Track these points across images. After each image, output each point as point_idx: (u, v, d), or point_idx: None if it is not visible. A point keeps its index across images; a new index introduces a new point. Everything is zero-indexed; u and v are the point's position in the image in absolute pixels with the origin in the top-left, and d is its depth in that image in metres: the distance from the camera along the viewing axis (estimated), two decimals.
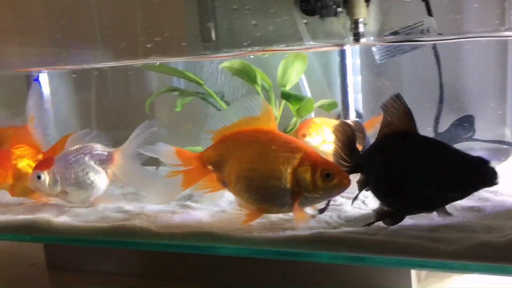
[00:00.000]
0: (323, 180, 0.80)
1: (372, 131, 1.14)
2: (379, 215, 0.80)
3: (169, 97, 1.37)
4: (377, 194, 0.82)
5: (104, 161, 1.15)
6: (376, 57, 1.32)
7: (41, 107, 1.26)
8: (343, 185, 0.80)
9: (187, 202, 1.07)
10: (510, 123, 1.32)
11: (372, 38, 1.24)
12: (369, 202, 0.96)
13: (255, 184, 0.84)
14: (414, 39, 1.22)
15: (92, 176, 1.13)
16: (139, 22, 1.51)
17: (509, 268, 0.67)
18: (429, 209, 0.79)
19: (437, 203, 0.78)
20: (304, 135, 1.08)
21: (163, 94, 1.37)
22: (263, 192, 0.84)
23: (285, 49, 1.27)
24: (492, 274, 0.71)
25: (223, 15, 1.41)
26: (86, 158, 1.13)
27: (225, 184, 0.91)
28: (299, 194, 0.81)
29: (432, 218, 0.82)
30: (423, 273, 0.91)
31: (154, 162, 1.19)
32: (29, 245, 1.30)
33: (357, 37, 1.21)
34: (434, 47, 1.28)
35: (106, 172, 1.16)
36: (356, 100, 1.28)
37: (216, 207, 1.02)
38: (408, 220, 0.81)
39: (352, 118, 1.25)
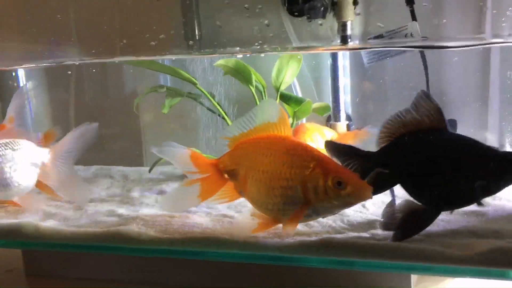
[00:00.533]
0: (334, 188, 0.76)
1: (355, 142, 1.15)
2: (411, 213, 0.80)
3: (153, 96, 1.34)
4: (412, 190, 0.81)
5: (36, 160, 1.09)
6: (365, 60, 1.33)
7: (23, 109, 1.20)
8: (358, 195, 0.76)
9: None
10: (491, 127, 1.36)
11: (357, 41, 1.25)
12: (369, 206, 0.97)
13: (270, 193, 0.81)
14: (396, 44, 1.23)
15: (19, 174, 1.07)
16: (118, 18, 1.48)
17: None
18: (465, 204, 0.81)
19: (473, 198, 0.79)
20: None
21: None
22: (277, 201, 0.81)
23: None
24: (506, 280, 0.72)
25: (207, 14, 1.39)
26: (15, 154, 1.07)
27: (241, 193, 0.88)
28: (310, 203, 0.78)
29: (438, 224, 0.83)
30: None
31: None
32: (5, 251, 1.23)
33: (344, 39, 1.22)
34: (422, 51, 1.30)
35: (37, 172, 1.10)
36: (345, 103, 1.28)
37: (214, 210, 1.00)
38: None
39: (342, 121, 1.25)
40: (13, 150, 1.08)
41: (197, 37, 1.38)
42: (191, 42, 1.39)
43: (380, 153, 0.86)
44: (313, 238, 0.83)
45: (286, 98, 1.08)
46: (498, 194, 0.92)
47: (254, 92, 1.15)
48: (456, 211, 0.85)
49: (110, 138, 1.42)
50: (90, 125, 1.08)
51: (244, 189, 0.87)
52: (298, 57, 1.17)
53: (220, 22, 1.37)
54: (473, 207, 0.89)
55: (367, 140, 1.16)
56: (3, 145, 1.08)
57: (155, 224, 0.93)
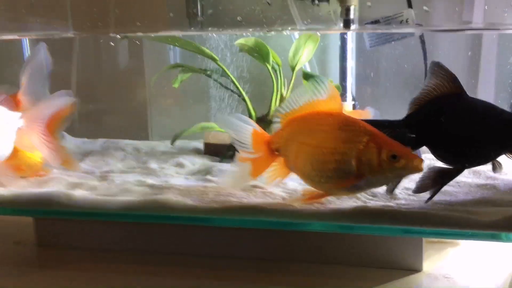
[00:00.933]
0: (389, 161, 0.81)
1: None
2: (439, 173, 0.88)
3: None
4: (436, 150, 0.89)
5: (11, 126, 1.04)
6: (367, 44, 1.41)
7: (38, 73, 1.16)
8: (411, 167, 0.81)
9: (208, 177, 1.08)
10: None
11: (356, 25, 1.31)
12: None
13: (322, 167, 0.85)
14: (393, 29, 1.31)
15: None
16: None
17: None
18: (485, 161, 0.90)
19: (494, 156, 0.88)
20: None
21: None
22: (330, 175, 0.85)
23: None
24: None
25: None
26: None
27: (292, 169, 0.92)
28: (363, 176, 0.83)
29: (457, 195, 0.92)
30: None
31: None
32: (11, 222, 1.23)
33: (347, 23, 1.28)
34: (422, 36, 1.39)
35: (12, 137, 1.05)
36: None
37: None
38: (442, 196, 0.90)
39: (349, 101, 1.32)
40: None
41: (199, 16, 1.41)
42: (194, 20, 1.42)
43: (406, 120, 0.94)
44: (346, 206, 0.89)
45: (307, 76, 1.13)
46: (505, 169, 1.03)
47: (270, 70, 1.20)
48: (470, 184, 0.95)
49: (115, 112, 1.43)
50: (64, 93, 1.07)
51: (295, 165, 0.90)
52: (318, 34, 1.22)
53: (224, 2, 1.41)
54: (483, 180, 1.00)
55: (368, 118, 1.25)
56: None
57: (191, 194, 0.97)
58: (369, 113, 1.26)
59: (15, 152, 1.10)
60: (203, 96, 1.36)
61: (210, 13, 1.41)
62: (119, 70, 1.50)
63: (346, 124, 0.86)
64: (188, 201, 0.93)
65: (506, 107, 1.14)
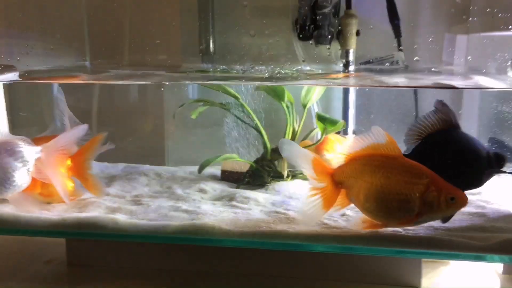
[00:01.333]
0: (447, 203, 0.95)
1: None
2: None
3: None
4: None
5: (27, 159, 1.16)
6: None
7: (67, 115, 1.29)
8: (463, 205, 0.96)
9: (234, 203, 1.20)
10: None
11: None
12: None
13: (384, 204, 0.97)
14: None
15: (11, 172, 1.13)
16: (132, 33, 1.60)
17: None
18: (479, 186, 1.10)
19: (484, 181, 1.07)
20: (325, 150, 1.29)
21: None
22: (391, 211, 0.97)
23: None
24: None
25: (222, 31, 1.55)
26: (8, 154, 1.14)
27: (352, 201, 1.04)
28: (423, 215, 0.96)
29: (453, 223, 1.07)
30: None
31: None
32: (42, 242, 1.32)
33: (347, 64, 1.44)
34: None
35: (28, 170, 1.16)
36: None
37: (264, 207, 1.18)
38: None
39: (350, 134, 1.47)
40: (6, 150, 1.13)
41: (211, 53, 1.55)
42: (205, 57, 1.56)
43: (415, 151, 1.09)
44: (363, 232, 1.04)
45: (322, 119, 1.27)
46: (491, 199, 1.20)
47: (285, 107, 1.34)
48: (461, 213, 1.11)
49: (135, 139, 1.53)
50: (78, 126, 1.22)
51: (356, 198, 1.02)
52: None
53: (233, 40, 1.54)
54: (473, 209, 1.16)
55: None
56: None
57: (224, 219, 1.09)
58: None
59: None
60: (219, 127, 1.48)
61: (220, 50, 1.56)
62: (140, 101, 1.61)
63: (408, 167, 0.98)
64: (223, 226, 1.06)
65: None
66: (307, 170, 1.04)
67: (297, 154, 1.04)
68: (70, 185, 1.25)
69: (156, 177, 1.42)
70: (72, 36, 1.61)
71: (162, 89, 1.59)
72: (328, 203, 1.03)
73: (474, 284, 1.12)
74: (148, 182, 1.39)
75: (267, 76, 1.38)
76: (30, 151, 1.17)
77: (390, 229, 1.03)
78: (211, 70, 1.50)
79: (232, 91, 1.34)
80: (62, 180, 1.19)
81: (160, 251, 1.16)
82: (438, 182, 0.96)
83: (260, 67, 1.48)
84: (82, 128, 1.21)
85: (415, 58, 1.40)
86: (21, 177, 1.15)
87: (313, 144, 1.31)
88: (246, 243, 1.04)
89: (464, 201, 0.96)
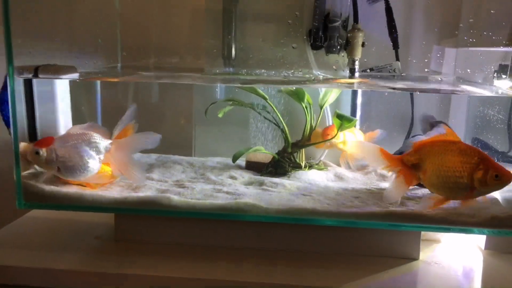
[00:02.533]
0: (493, 179, 1.14)
1: (371, 140, 1.61)
2: None
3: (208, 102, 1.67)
4: None
5: (101, 150, 1.37)
6: None
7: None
8: (507, 183, 1.15)
9: (265, 187, 1.40)
10: None
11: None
12: None
13: (445, 181, 1.19)
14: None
15: (86, 160, 1.33)
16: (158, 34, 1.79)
17: (508, 232, 1.19)
18: None
19: None
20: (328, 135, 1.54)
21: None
22: (450, 187, 1.19)
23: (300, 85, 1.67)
24: (498, 236, 1.23)
25: (242, 38, 1.75)
26: (84, 144, 1.34)
27: (420, 179, 1.26)
28: (474, 189, 1.17)
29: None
30: None
31: None
32: (92, 220, 1.50)
33: (352, 71, 1.65)
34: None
35: (100, 158, 1.36)
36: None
37: (287, 189, 1.39)
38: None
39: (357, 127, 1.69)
40: (83, 140, 1.34)
41: (232, 58, 1.74)
42: (227, 61, 1.75)
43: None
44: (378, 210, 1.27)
45: (340, 116, 1.48)
46: None
47: (305, 108, 1.55)
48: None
49: (166, 132, 1.70)
50: (153, 135, 1.38)
51: (424, 177, 1.24)
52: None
53: (252, 47, 1.74)
54: None
55: (378, 138, 1.61)
56: (75, 136, 1.35)
57: (262, 198, 1.30)
58: (378, 133, 1.62)
59: None
60: (241, 124, 1.69)
61: (241, 56, 1.75)
62: (172, 98, 1.80)
63: (463, 150, 1.19)
64: (262, 204, 1.27)
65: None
66: (377, 161, 1.26)
67: (364, 148, 1.28)
68: (108, 169, 1.44)
69: (189, 165, 1.61)
70: (106, 42, 1.79)
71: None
72: (408, 181, 1.26)
73: (461, 257, 1.35)
74: (184, 170, 1.57)
75: (284, 79, 1.58)
76: (103, 143, 1.37)
77: (398, 209, 1.27)
78: (234, 73, 1.70)
79: (261, 92, 1.55)
80: (127, 169, 1.38)
81: (200, 228, 1.35)
82: (487, 162, 1.16)
83: (275, 72, 1.68)
84: (155, 137, 1.38)
85: (425, 70, 1.63)
86: (94, 164, 1.35)
87: (331, 138, 1.54)
88: (281, 219, 1.25)
89: (508, 179, 1.15)
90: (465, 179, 1.17)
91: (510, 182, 1.16)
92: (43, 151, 1.29)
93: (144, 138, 1.38)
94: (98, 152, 1.36)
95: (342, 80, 1.62)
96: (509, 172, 1.16)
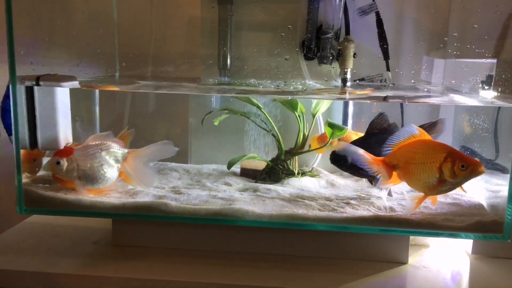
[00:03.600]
0: (460, 169, 1.19)
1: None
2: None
3: (204, 110, 1.71)
4: None
5: (118, 159, 1.42)
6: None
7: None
8: (476, 172, 1.19)
9: (259, 193, 1.44)
10: None
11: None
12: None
13: (419, 175, 1.26)
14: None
15: (105, 169, 1.39)
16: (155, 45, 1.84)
17: (493, 236, 1.24)
18: None
19: None
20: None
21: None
22: (424, 180, 1.25)
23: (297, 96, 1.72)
24: (484, 240, 1.28)
25: (238, 49, 1.80)
26: (103, 153, 1.40)
27: (402, 179, 1.32)
28: (445, 181, 1.22)
29: (435, 210, 1.36)
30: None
31: None
32: (90, 225, 1.53)
33: (344, 81, 1.70)
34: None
35: (118, 167, 1.42)
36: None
37: (281, 196, 1.43)
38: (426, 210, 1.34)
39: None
40: (102, 150, 1.40)
41: (228, 68, 1.79)
42: (223, 71, 1.80)
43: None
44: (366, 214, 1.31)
45: (331, 125, 1.52)
46: (463, 193, 1.49)
47: (297, 116, 1.60)
48: (441, 203, 1.39)
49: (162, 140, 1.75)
50: (170, 146, 1.42)
51: (404, 175, 1.31)
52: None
53: (247, 57, 1.79)
54: (449, 199, 1.45)
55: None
56: (94, 145, 1.40)
57: (255, 204, 1.34)
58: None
59: None
60: (236, 132, 1.73)
61: (236, 66, 1.80)
62: (168, 107, 1.85)
63: (433, 146, 1.26)
64: (255, 210, 1.31)
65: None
66: (364, 163, 1.32)
67: (355, 153, 1.32)
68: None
69: (185, 172, 1.65)
70: (104, 51, 1.84)
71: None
72: (386, 179, 1.32)
73: (449, 261, 1.39)
74: (180, 176, 1.61)
75: (277, 90, 1.62)
76: (120, 152, 1.42)
77: (387, 214, 1.31)
78: (230, 83, 1.75)
79: (255, 101, 1.60)
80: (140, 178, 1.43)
81: (196, 233, 1.39)
82: (454, 154, 1.22)
83: (269, 82, 1.73)
84: (172, 149, 1.43)
85: (412, 81, 1.69)
86: (113, 172, 1.40)
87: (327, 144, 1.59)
88: (273, 224, 1.30)
89: (475, 168, 1.20)
90: (436, 173, 1.23)
91: (478, 171, 1.19)
92: (63, 161, 1.33)
93: (161, 148, 1.43)
94: (116, 161, 1.41)
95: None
96: (477, 161, 1.21)
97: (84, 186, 1.38)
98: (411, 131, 1.30)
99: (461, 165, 1.20)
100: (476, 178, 1.46)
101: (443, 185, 1.24)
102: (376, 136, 1.44)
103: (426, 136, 1.30)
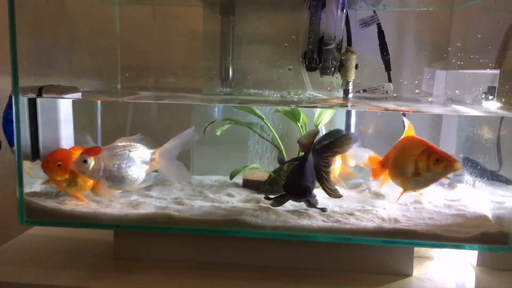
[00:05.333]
0: (434, 164, 1.24)
1: None
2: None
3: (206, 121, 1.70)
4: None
5: (146, 159, 1.42)
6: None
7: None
8: (450, 167, 1.24)
9: (262, 204, 1.43)
10: None
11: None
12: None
13: (398, 171, 1.33)
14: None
15: (133, 169, 1.38)
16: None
17: (499, 248, 1.23)
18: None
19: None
20: None
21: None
22: (401, 174, 1.32)
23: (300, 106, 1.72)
24: (489, 251, 1.26)
25: (239, 60, 1.80)
26: (131, 154, 1.39)
27: (390, 176, 1.39)
28: (419, 174, 1.27)
29: (439, 220, 1.35)
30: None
31: None
32: (92, 237, 1.52)
33: (346, 92, 1.70)
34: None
35: (145, 168, 1.41)
36: None
37: (284, 207, 1.41)
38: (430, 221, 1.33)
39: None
40: (130, 151, 1.39)
41: (230, 79, 1.80)
42: (225, 82, 1.80)
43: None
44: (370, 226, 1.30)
45: None
46: (468, 204, 1.48)
47: (300, 127, 1.60)
48: (445, 213, 1.39)
49: None
50: (189, 132, 1.44)
51: (390, 173, 1.37)
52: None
53: (249, 69, 1.79)
54: (455, 211, 1.44)
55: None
56: (122, 146, 1.39)
57: (258, 215, 1.33)
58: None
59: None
60: (239, 142, 1.73)
61: (238, 77, 1.80)
62: (170, 117, 1.85)
63: (412, 141, 1.34)
64: (258, 221, 1.30)
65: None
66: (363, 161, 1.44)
67: (361, 154, 1.43)
68: None
69: (187, 184, 1.65)
70: (107, 63, 1.84)
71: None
72: (376, 175, 1.44)
73: (454, 273, 1.38)
74: (182, 188, 1.60)
75: (279, 100, 1.62)
76: (147, 153, 1.42)
77: (391, 225, 1.31)
78: (233, 93, 1.75)
79: (258, 111, 1.59)
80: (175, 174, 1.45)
81: (198, 244, 1.38)
82: (431, 150, 1.27)
83: (272, 92, 1.73)
84: (191, 133, 1.45)
85: (416, 91, 1.69)
86: (140, 173, 1.40)
87: None
88: (277, 236, 1.29)
89: (448, 163, 1.24)
90: (409, 165, 1.29)
91: (453, 167, 1.24)
92: (90, 160, 1.31)
93: (182, 138, 1.44)
94: (144, 162, 1.40)
95: (344, 101, 1.66)
96: (451, 156, 1.24)
97: (109, 187, 1.36)
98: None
99: (436, 159, 1.23)
100: (478, 189, 1.48)
101: (416, 177, 1.28)
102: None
103: (412, 131, 1.39)
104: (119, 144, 1.39)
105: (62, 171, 1.37)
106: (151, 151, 1.44)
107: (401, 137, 1.42)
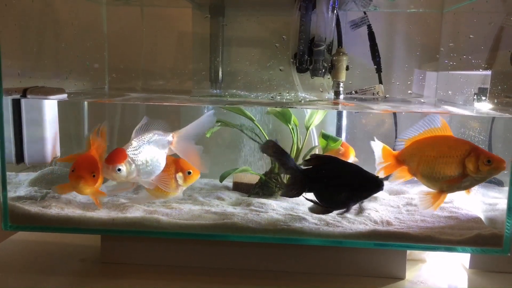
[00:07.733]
0: (485, 165, 1.19)
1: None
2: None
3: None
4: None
5: (165, 144, 1.41)
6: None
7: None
8: (500, 168, 1.19)
9: (252, 207, 1.41)
10: None
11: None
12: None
13: (438, 172, 1.25)
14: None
15: (158, 159, 1.37)
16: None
17: (492, 250, 1.22)
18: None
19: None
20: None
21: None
22: (442, 175, 1.24)
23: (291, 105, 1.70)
24: (482, 254, 1.25)
25: (228, 62, 1.78)
26: (151, 145, 1.37)
27: (414, 175, 1.32)
28: (466, 176, 1.22)
29: (433, 223, 1.33)
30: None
31: None
32: (78, 242, 1.50)
33: (337, 93, 1.69)
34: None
35: (165, 152, 1.40)
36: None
37: (275, 210, 1.40)
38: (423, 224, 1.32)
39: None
40: (149, 143, 1.37)
41: (219, 80, 1.78)
42: (214, 84, 1.78)
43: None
44: (363, 229, 1.28)
45: (326, 136, 1.51)
46: (461, 206, 1.47)
47: (291, 129, 1.58)
48: (436, 215, 1.37)
49: None
50: (211, 116, 1.44)
51: (417, 172, 1.30)
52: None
53: (238, 70, 1.77)
54: (448, 214, 1.43)
55: None
56: (140, 141, 1.37)
57: (248, 219, 1.31)
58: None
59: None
60: (228, 145, 1.71)
61: (228, 79, 1.78)
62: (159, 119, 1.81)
63: (455, 141, 1.27)
64: (249, 224, 1.28)
65: None
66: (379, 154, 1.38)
67: (377, 146, 1.37)
68: None
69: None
70: (94, 64, 1.81)
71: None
72: (388, 171, 1.37)
73: (447, 276, 1.37)
74: None
75: (270, 101, 1.60)
76: (165, 138, 1.40)
77: (384, 228, 1.29)
78: (221, 95, 1.73)
79: (248, 113, 1.57)
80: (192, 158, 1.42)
81: (187, 249, 1.35)
82: (478, 150, 1.22)
83: (261, 94, 1.71)
84: (209, 116, 1.44)
85: (408, 91, 1.68)
86: (163, 159, 1.38)
87: None
88: (268, 239, 1.26)
89: (500, 164, 1.20)
90: (455, 165, 1.23)
91: (503, 167, 1.20)
92: (123, 167, 1.30)
93: (200, 121, 1.43)
94: (163, 146, 1.39)
95: (337, 103, 1.64)
96: (501, 158, 1.20)
97: (146, 180, 1.36)
98: (433, 123, 1.30)
99: (487, 160, 1.19)
100: (471, 191, 1.46)
101: (462, 179, 1.23)
102: None
103: (447, 130, 1.31)
104: (137, 137, 1.37)
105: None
106: (169, 134, 1.43)
107: (423, 135, 1.34)
